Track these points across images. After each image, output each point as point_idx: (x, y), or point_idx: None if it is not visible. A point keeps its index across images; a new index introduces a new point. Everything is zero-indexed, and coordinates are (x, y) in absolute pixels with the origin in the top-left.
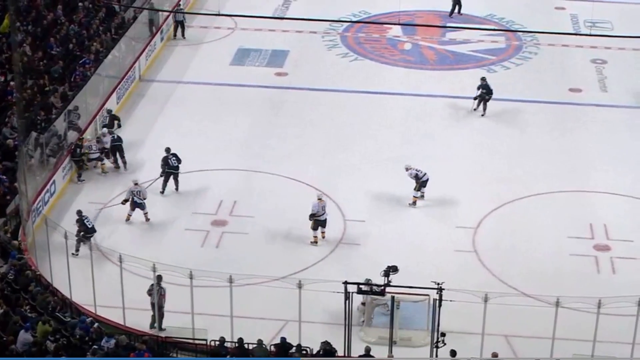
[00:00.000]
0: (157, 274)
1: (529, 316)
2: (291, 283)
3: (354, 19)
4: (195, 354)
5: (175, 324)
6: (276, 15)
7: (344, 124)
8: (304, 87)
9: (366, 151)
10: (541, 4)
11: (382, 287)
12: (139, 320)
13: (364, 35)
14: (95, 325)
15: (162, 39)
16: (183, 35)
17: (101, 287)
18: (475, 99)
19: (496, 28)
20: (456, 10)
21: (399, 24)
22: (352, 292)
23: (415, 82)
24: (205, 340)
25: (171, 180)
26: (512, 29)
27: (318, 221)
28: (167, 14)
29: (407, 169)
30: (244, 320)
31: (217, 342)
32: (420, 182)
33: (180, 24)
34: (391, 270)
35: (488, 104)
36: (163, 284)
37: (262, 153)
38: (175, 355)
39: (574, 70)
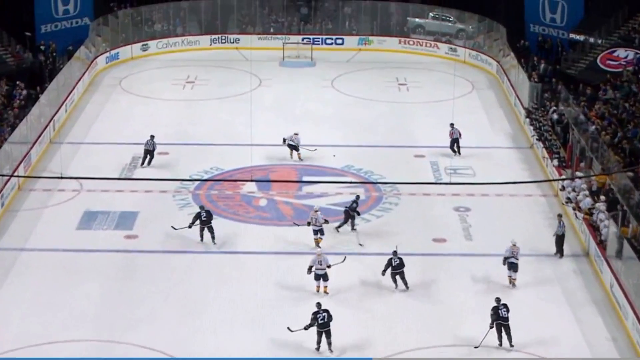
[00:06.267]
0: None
1: None
2: None
3: (205, 177)
4: None
5: None
6: (123, 176)
7: (198, 287)
8: (156, 249)
9: (222, 315)
10: (400, 153)
11: None
12: None
13: (216, 193)
14: None
15: (2, 204)
16: (149, 163)
17: None
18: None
19: (354, 181)
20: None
21: (252, 180)
22: None
23: (273, 240)
24: None
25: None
26: (371, 180)
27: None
28: (4, 178)
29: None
30: None
31: None
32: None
33: (149, 154)
34: None
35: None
36: None
37: (113, 322)
38: None
39: (437, 220)
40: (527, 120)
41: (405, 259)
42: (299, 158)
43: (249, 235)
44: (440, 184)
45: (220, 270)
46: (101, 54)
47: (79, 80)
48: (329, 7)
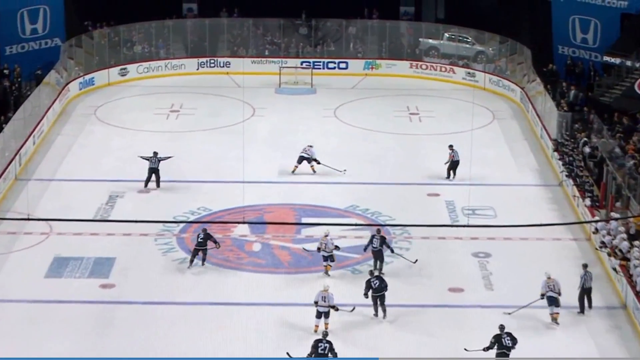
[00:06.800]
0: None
1: None
2: None
3: (192, 218)
4: None
5: None
6: (99, 217)
7: (184, 343)
8: (135, 300)
9: None
10: (411, 191)
11: None
12: None
13: None
14: None
15: None
16: (158, 184)
17: None
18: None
19: (359, 223)
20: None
21: (244, 222)
22: None
23: (268, 289)
24: None
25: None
26: (378, 222)
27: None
28: None
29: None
30: None
31: None
32: None
33: (155, 173)
34: None
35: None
36: None
37: None
38: None
39: (453, 267)
40: (556, 154)
41: (417, 311)
42: (313, 170)
43: (242, 284)
44: (457, 226)
45: (209, 323)
46: (74, 79)
47: (49, 108)
48: (331, 27)
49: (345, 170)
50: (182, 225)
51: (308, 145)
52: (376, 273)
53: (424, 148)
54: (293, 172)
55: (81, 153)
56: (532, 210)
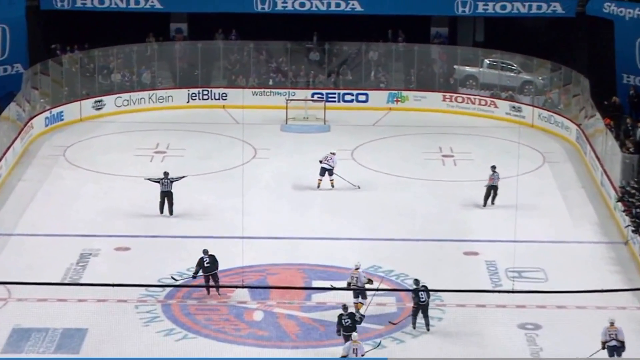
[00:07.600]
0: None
1: None
2: None
3: (180, 281)
4: None
5: None
6: (67, 280)
7: None
8: None
9: None
10: (444, 249)
11: None
12: None
13: (195, 303)
14: None
15: None
16: (171, 211)
17: None
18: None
19: (382, 287)
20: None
21: (243, 287)
22: None
23: None
24: None
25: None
26: (405, 286)
27: None
28: None
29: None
30: None
31: None
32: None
33: (167, 196)
34: None
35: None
36: None
37: None
38: None
39: (495, 342)
40: (620, 204)
41: None
42: (332, 185)
43: None
44: (500, 292)
45: None
46: (39, 114)
47: (8, 148)
48: (348, 52)
49: (359, 186)
50: (168, 289)
51: (330, 153)
52: (356, 314)
53: (460, 197)
54: (318, 186)
55: (47, 202)
56: (590, 273)
